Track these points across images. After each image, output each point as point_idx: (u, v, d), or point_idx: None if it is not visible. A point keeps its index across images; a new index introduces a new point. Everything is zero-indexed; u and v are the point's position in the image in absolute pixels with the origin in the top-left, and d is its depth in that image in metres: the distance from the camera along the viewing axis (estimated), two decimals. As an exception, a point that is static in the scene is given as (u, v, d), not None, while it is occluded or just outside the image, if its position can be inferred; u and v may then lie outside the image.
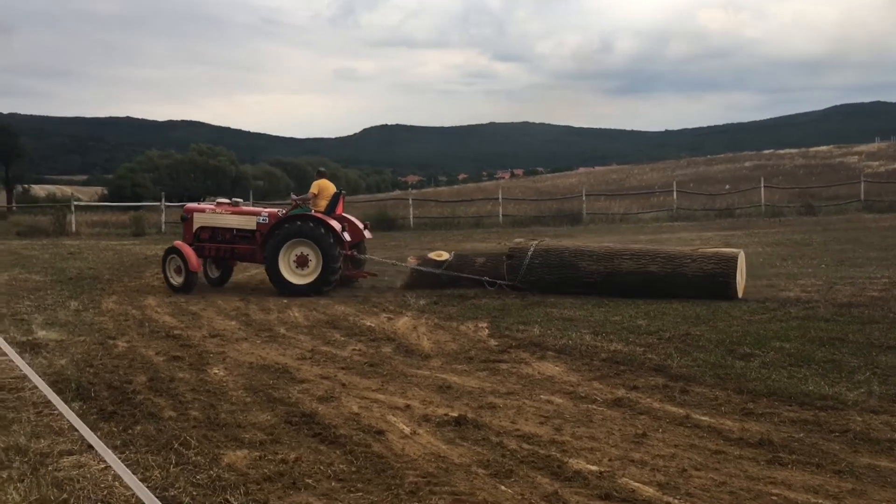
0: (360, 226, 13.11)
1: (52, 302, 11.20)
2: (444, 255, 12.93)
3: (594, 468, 4.58)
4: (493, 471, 4.54)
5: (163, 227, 29.38)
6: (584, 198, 32.27)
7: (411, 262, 13.16)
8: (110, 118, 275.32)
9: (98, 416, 5.54)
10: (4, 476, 4.33)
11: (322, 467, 4.58)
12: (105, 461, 4.56)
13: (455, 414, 5.62)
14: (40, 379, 2.77)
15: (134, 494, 4.11)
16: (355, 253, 12.98)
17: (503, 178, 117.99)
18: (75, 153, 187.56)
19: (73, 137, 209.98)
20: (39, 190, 75.08)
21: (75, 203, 32.05)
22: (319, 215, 12.36)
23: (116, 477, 4.35)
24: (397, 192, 57.02)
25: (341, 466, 4.60)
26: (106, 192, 71.52)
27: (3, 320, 9.63)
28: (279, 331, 9.13)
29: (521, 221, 30.84)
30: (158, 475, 4.39)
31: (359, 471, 4.55)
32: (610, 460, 4.73)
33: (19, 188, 69.10)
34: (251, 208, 13.67)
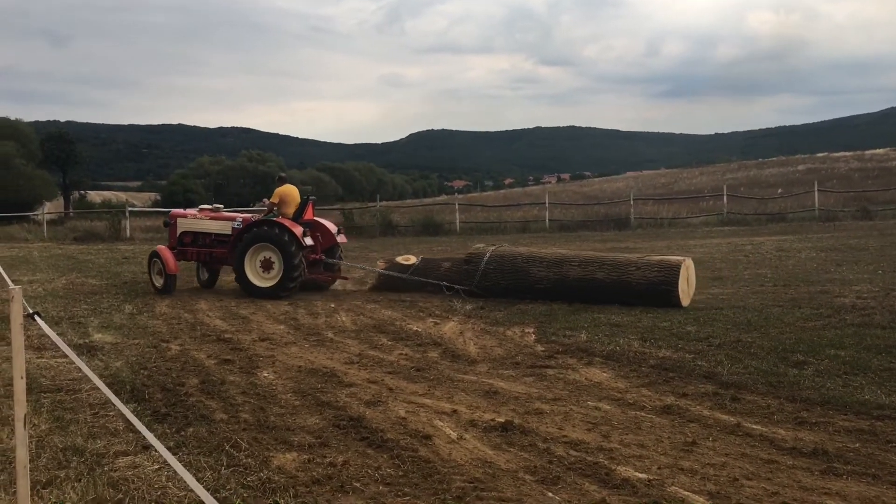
0: (333, 230, 13.36)
1: (108, 305, 11.49)
2: (412, 259, 13.28)
3: (643, 476, 4.54)
4: (540, 477, 4.53)
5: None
6: (631, 202, 31.94)
7: (380, 265, 13.58)
8: (164, 125, 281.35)
9: (152, 417, 5.68)
10: (62, 476, 4.46)
11: (369, 471, 4.62)
12: (159, 462, 4.67)
13: (502, 419, 5.62)
14: (100, 380, 2.86)
15: (187, 495, 4.21)
16: (324, 257, 13.17)
17: (550, 182, 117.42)
18: (130, 160, 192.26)
19: (128, 144, 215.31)
20: (95, 196, 77.00)
21: (129, 209, 32.85)
22: (282, 220, 12.57)
23: (170, 478, 4.46)
24: (443, 197, 57.26)
25: (388, 470, 4.64)
26: (159, 197, 73.21)
27: (61, 323, 9.91)
28: (327, 335, 9.23)
29: (567, 226, 30.67)
30: (210, 477, 4.48)
31: (406, 475, 4.58)
32: (659, 468, 4.68)
33: (76, 194, 71.07)
34: (228, 214, 14.02)
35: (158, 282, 13.02)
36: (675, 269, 10.80)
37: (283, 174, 14.47)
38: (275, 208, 13.07)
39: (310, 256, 12.79)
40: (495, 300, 11.53)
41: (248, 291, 12.44)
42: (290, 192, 13.21)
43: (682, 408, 5.95)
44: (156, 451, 4.86)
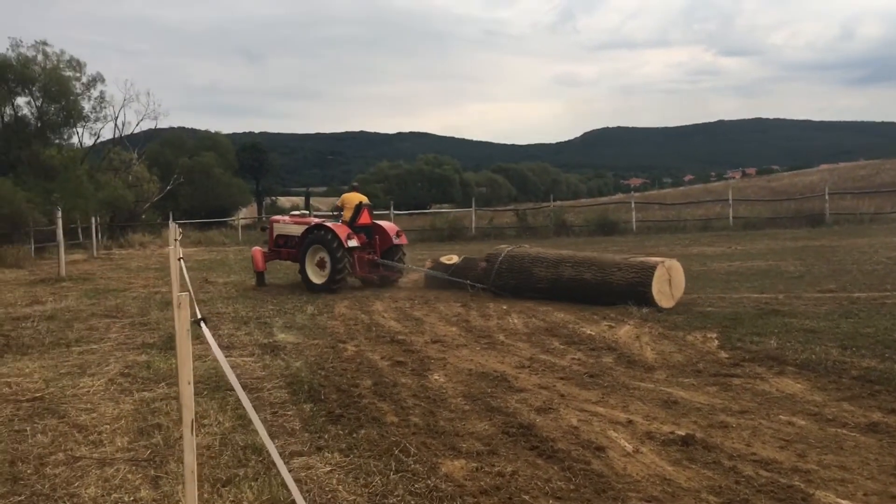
0: (392, 234, 14.50)
1: (292, 306, 12.03)
2: (454, 259, 14.12)
3: (846, 503, 4.04)
4: (727, 499, 4.14)
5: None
6: (826, 196, 29.58)
7: (427, 265, 14.57)
8: (346, 133, 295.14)
9: (326, 418, 5.78)
10: (241, 474, 4.61)
11: (539, 483, 4.43)
12: (331, 464, 4.72)
13: (682, 432, 5.24)
14: (236, 380, 2.86)
15: (356, 500, 4.20)
16: (374, 257, 14.40)
17: (733, 178, 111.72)
18: (316, 167, 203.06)
19: (314, 152, 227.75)
20: (286, 201, 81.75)
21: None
22: (334, 224, 13.90)
23: (341, 481, 4.49)
24: (619, 196, 55.78)
25: (559, 483, 4.42)
26: (342, 202, 76.46)
27: (249, 323, 10.47)
28: (498, 338, 9.11)
29: (754, 224, 28.89)
30: (379, 481, 4.46)
31: (577, 489, 4.34)
32: (865, 495, 4.16)
33: (268, 200, 75.85)
34: (307, 218, 15.31)
35: (256, 278, 15.11)
36: (650, 271, 10.94)
37: (355, 183, 15.88)
38: (338, 212, 14.71)
39: (365, 257, 14.21)
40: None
41: (308, 287, 13.87)
42: (351, 198, 14.63)
43: (892, 426, 5.29)
44: (328, 452, 4.95)
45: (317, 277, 13.89)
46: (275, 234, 15.51)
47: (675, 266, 11.20)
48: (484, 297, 12.46)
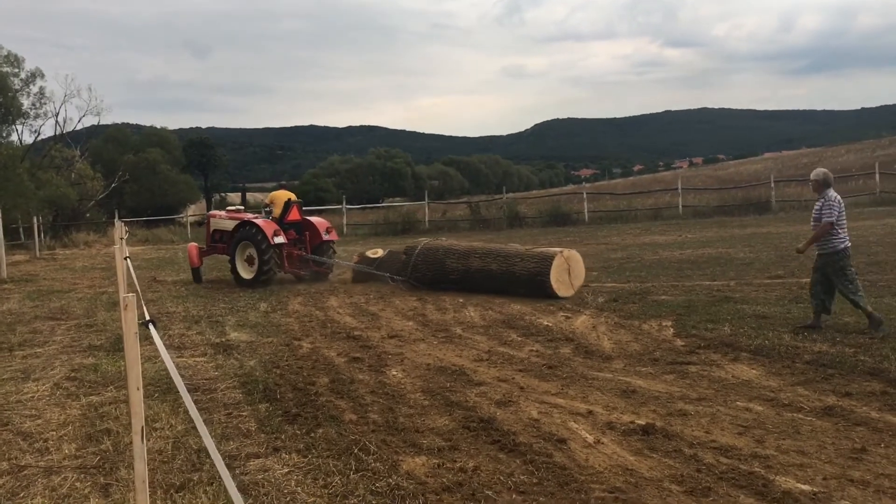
0: (322, 230, 14.80)
1: (244, 304, 11.81)
2: (379, 253, 14.52)
3: (806, 488, 4.07)
4: (689, 487, 4.14)
5: (344, 228, 30.53)
6: (772, 184, 30.20)
7: (354, 259, 14.85)
8: (296, 127, 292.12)
9: (283, 418, 5.65)
10: (195, 479, 4.46)
11: (502, 477, 4.37)
12: (289, 465, 4.60)
13: (642, 421, 5.24)
14: (181, 380, 2.73)
15: (316, 501, 4.10)
16: (302, 253, 14.66)
17: (681, 167, 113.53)
18: (266, 161, 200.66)
19: (263, 147, 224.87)
20: (235, 197, 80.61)
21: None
22: (261, 221, 14.11)
23: (299, 482, 4.38)
24: (571, 187, 56.23)
25: (522, 477, 4.37)
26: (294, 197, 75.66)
27: (200, 322, 10.24)
28: (456, 331, 9.05)
29: (702, 212, 29.36)
30: (339, 482, 4.35)
31: (540, 482, 4.30)
32: (825, 479, 4.19)
33: (217, 196, 74.69)
34: (240, 214, 15.43)
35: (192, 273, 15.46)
36: (549, 261, 11.23)
37: (282, 182, 16.39)
38: (268, 210, 14.92)
39: (294, 252, 14.53)
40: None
41: (237, 282, 14.18)
42: (280, 196, 15.04)
43: (847, 409, 5.37)
44: (286, 453, 4.83)
45: (246, 273, 14.14)
46: (211, 229, 15.72)
47: (575, 256, 11.57)
48: (442, 290, 12.38)
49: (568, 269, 11.36)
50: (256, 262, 13.86)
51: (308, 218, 15.23)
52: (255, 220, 14.17)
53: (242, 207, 16.43)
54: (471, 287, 12.04)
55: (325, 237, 14.80)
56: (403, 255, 13.34)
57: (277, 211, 14.79)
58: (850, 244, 8.09)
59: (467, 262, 12.24)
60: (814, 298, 8.13)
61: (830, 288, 8.05)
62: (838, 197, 8.05)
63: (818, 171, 8.29)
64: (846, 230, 8.08)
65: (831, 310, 8.13)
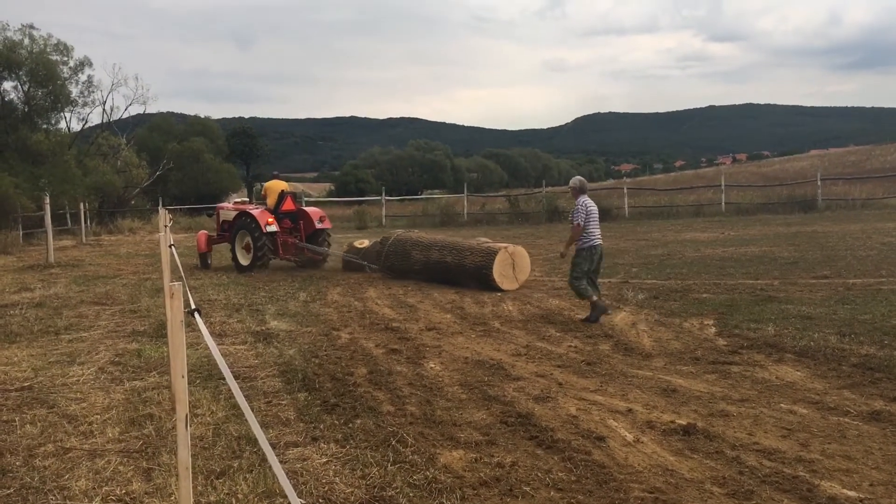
0: (315, 219, 15.35)
1: (284, 293, 11.91)
2: (364, 243, 15.16)
3: (852, 493, 3.98)
4: (731, 490, 4.07)
5: (384, 220, 30.62)
6: (818, 182, 29.57)
7: (345, 249, 15.53)
8: (337, 118, 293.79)
9: (321, 407, 5.68)
10: (235, 466, 4.51)
11: (539, 474, 4.35)
12: (327, 454, 4.63)
13: (683, 421, 5.17)
14: (227, 368, 2.75)
15: (353, 492, 4.11)
16: (297, 242, 15.28)
17: (724, 163, 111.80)
18: (306, 152, 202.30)
19: (304, 137, 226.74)
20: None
21: (306, 199, 34.31)
22: (256, 210, 14.84)
23: (337, 472, 4.40)
24: (611, 182, 55.67)
25: (560, 474, 4.34)
26: (333, 187, 76.29)
27: (241, 310, 10.35)
28: (494, 325, 9.03)
29: (746, 210, 28.86)
30: (377, 473, 4.37)
31: (579, 480, 4.26)
32: (871, 485, 4.09)
33: (258, 186, 75.46)
34: (243, 206, 15.97)
35: (200, 260, 16.31)
36: (492, 255, 11.74)
37: (276, 172, 16.81)
38: (264, 201, 15.56)
39: (289, 240, 15.19)
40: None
41: (237, 269, 14.98)
42: (274, 186, 15.60)
43: (894, 414, 5.23)
44: (324, 443, 4.86)
45: (244, 259, 14.95)
46: (220, 219, 16.56)
47: (520, 252, 12.04)
48: (480, 284, 12.35)
49: (512, 263, 11.86)
50: (252, 249, 14.63)
51: (303, 207, 16.04)
52: (250, 210, 14.92)
53: (248, 199, 17.13)
54: (429, 278, 12.74)
55: (319, 225, 15.38)
56: (379, 244, 14.08)
57: (272, 201, 15.44)
58: (597, 244, 9.24)
59: (428, 254, 12.89)
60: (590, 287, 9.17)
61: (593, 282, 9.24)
62: (587, 202, 9.22)
63: (574, 179, 9.59)
64: (597, 231, 9.26)
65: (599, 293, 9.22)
